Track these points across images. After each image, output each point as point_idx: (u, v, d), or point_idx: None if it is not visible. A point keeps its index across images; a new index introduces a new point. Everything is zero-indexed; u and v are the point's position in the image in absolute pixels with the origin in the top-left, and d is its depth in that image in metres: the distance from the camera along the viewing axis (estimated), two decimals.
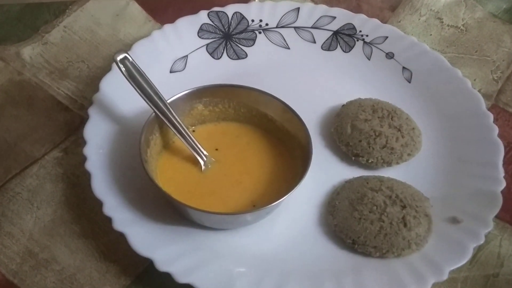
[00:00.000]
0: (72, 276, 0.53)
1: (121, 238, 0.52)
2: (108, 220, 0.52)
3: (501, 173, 0.58)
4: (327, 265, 0.53)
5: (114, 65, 0.61)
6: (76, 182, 0.58)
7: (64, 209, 0.57)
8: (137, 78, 0.56)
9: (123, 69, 0.55)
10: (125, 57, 0.56)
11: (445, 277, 0.51)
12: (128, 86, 0.56)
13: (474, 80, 0.70)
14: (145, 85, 0.56)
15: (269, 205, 0.51)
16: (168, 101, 0.56)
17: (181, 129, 0.56)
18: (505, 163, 0.60)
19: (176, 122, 0.56)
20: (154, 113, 0.56)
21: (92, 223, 0.56)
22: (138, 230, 0.52)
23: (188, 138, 0.56)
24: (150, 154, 0.55)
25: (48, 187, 0.58)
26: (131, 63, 0.56)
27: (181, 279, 0.49)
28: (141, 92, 0.55)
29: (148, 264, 0.52)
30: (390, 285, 0.51)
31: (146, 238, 0.52)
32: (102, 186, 0.54)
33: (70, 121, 0.63)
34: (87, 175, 0.55)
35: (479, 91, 0.68)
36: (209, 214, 0.51)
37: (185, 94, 0.58)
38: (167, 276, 0.50)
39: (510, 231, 0.58)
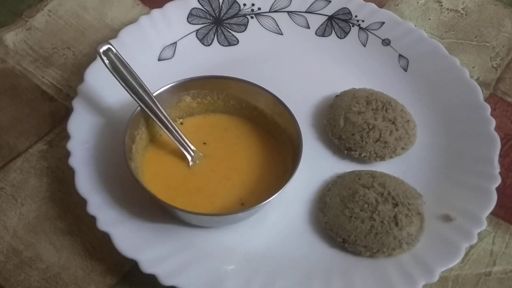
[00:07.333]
0: (56, 275, 0.52)
1: (107, 235, 0.51)
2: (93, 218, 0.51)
3: (497, 169, 0.56)
4: (316, 264, 0.52)
5: None
6: (61, 176, 0.57)
7: (49, 205, 0.55)
8: (121, 71, 0.54)
9: (106, 61, 0.53)
10: (109, 48, 0.53)
11: (435, 278, 0.50)
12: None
13: (473, 67, 0.68)
14: (129, 78, 0.54)
15: (257, 205, 0.50)
16: (154, 94, 0.55)
17: (168, 124, 0.55)
18: (501, 156, 0.58)
19: (162, 116, 0.54)
20: (139, 107, 0.54)
21: (77, 220, 0.54)
22: (123, 229, 0.51)
23: (175, 132, 0.55)
24: (135, 150, 0.54)
25: (33, 182, 0.57)
26: (115, 54, 0.54)
27: (166, 281, 0.48)
28: (125, 85, 0.54)
29: (134, 263, 0.51)
30: (379, 286, 0.50)
31: (132, 238, 0.50)
32: (86, 183, 0.53)
33: (55, 112, 0.61)
34: (72, 170, 0.54)
35: (477, 79, 0.67)
36: (195, 215, 0.50)
37: (172, 86, 0.56)
38: (153, 276, 0.49)
39: (504, 227, 0.57)
